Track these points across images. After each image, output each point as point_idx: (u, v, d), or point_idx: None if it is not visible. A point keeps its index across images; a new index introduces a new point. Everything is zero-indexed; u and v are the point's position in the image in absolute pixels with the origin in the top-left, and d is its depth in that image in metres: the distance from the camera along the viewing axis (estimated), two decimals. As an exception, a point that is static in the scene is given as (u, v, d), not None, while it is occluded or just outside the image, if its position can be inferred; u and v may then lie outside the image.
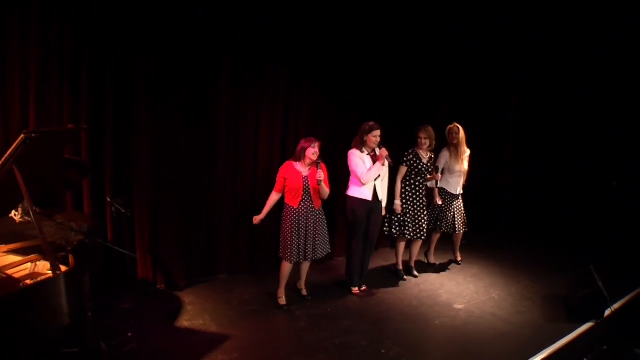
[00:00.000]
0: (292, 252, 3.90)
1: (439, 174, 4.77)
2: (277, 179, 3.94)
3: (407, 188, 4.64)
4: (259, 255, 4.75)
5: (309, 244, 3.93)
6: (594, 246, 6.45)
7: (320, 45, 4.88)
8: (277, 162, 4.58)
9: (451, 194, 5.02)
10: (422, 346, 3.58)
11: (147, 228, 4.01)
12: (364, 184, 4.12)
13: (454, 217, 5.05)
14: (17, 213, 2.76)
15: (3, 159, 2.32)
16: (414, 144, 4.64)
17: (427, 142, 4.56)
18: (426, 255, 5.41)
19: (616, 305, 4.50)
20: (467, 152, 5.03)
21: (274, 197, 3.97)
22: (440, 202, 4.95)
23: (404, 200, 4.63)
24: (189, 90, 4.07)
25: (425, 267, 5.26)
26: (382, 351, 3.45)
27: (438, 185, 4.88)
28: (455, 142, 4.92)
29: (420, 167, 4.58)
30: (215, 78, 4.24)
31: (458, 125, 4.94)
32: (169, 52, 3.89)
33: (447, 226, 5.07)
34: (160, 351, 3.23)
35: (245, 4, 4.29)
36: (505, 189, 6.99)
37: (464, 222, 5.17)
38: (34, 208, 2.50)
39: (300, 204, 3.88)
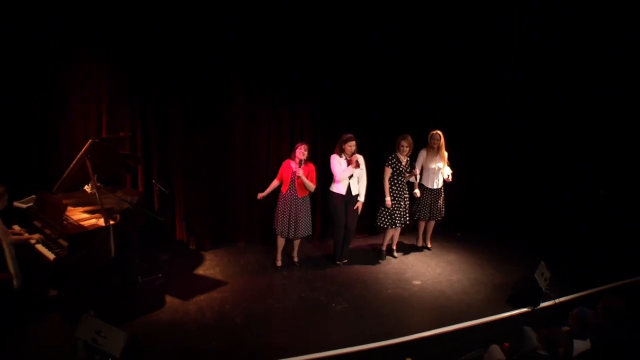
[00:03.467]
0: (282, 228, 5.15)
1: (416, 170, 5.66)
2: (279, 171, 5.19)
3: (393, 187, 5.56)
4: (267, 229, 5.90)
5: (292, 224, 5.15)
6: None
7: (325, 47, 5.62)
8: (285, 157, 5.42)
9: (429, 188, 5.88)
10: (365, 306, 4.65)
11: (182, 202, 5.53)
12: (339, 181, 5.24)
13: (432, 207, 5.93)
14: (88, 187, 4.36)
15: (79, 155, 3.88)
16: (393, 150, 5.57)
17: (408, 149, 5.50)
18: (416, 240, 6.30)
19: (564, 298, 5.11)
20: (445, 154, 5.78)
21: (275, 183, 5.19)
22: (418, 195, 5.81)
23: (390, 196, 5.60)
24: (209, 96, 5.34)
25: (408, 250, 6.12)
26: (333, 305, 4.62)
27: (419, 181, 5.79)
28: (435, 146, 5.74)
29: (400, 168, 5.52)
30: (231, 86, 5.42)
31: (440, 133, 5.75)
32: (195, 76, 5.24)
33: (427, 215, 5.97)
34: (177, 286, 4.71)
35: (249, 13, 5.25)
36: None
37: (441, 212, 6.01)
38: (98, 184, 4.07)
39: (287, 191, 5.11)
